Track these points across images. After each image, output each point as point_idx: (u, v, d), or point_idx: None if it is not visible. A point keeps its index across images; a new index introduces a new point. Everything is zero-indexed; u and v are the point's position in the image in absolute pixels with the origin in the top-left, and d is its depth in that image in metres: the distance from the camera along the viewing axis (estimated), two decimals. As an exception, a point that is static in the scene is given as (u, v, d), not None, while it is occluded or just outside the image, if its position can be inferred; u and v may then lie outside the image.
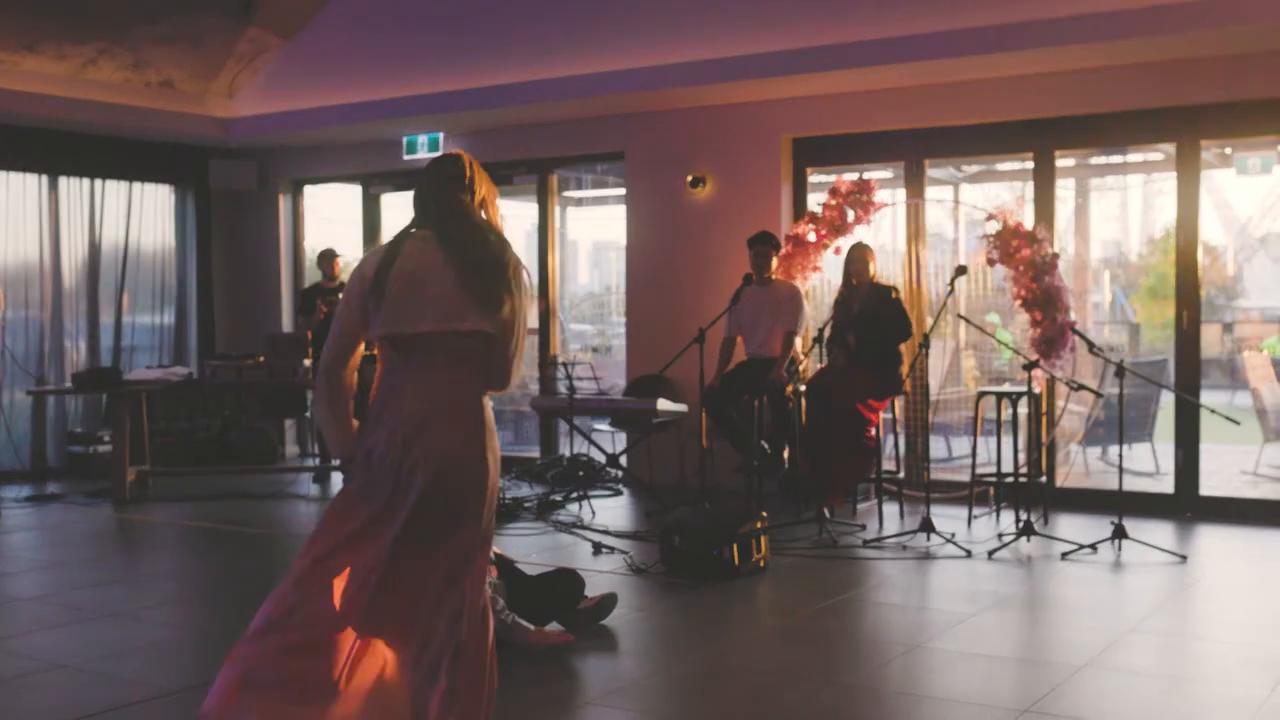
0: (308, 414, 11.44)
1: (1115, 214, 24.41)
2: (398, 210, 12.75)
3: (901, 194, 9.66)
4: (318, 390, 3.70)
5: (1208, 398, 9.02)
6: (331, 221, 13.07)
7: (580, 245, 13.85)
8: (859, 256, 8.52)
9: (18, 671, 5.14)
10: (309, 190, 12.70)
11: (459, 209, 3.56)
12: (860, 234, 9.14)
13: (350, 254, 11.81)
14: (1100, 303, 21.72)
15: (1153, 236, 23.73)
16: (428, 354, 3.49)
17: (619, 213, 11.19)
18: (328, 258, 10.74)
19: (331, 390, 3.66)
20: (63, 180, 11.37)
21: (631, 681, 5.01)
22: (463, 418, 3.49)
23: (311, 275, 12.00)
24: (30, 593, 6.62)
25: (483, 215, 3.62)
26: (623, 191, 10.88)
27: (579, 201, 14.84)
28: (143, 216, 11.96)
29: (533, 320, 11.49)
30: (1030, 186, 9.28)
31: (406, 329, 3.48)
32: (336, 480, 10.50)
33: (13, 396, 10.90)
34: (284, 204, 12.51)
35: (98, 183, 11.62)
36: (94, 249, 11.62)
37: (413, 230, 3.57)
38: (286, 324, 12.06)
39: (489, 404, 3.58)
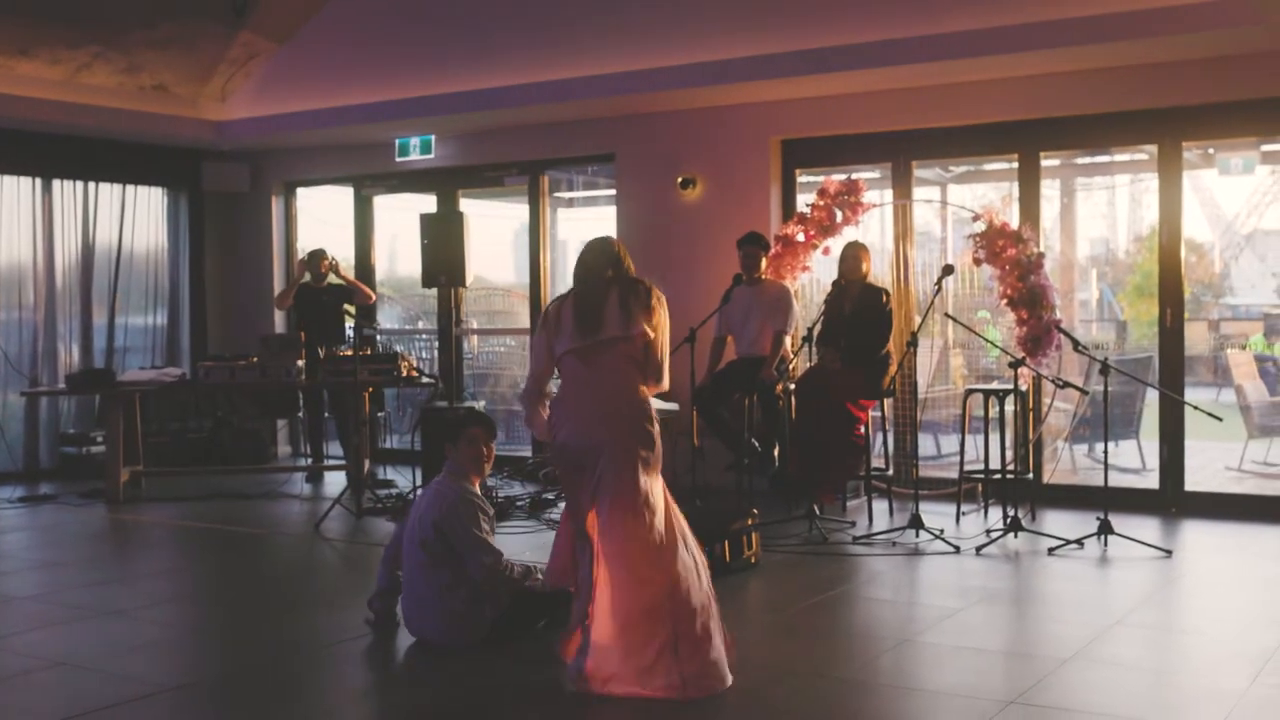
0: (300, 414, 11.49)
1: (1103, 211, 24.54)
2: (390, 211, 12.84)
3: (889, 194, 9.74)
4: (527, 404, 5.16)
5: (1194, 395, 9.12)
6: (324, 223, 13.13)
7: (569, 245, 13.90)
8: (852, 255, 8.60)
9: (19, 669, 5.20)
10: (301, 192, 12.74)
11: (616, 265, 5.00)
12: (849, 234, 9.22)
13: (344, 256, 11.86)
14: (1088, 300, 21.84)
15: (1139, 234, 23.85)
16: (600, 359, 4.87)
17: (608, 213, 11.27)
18: (317, 257, 10.78)
19: (535, 404, 5.11)
20: (56, 183, 11.41)
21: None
22: (631, 406, 4.87)
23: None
24: (27, 592, 6.68)
25: (625, 269, 5.02)
26: (613, 191, 10.95)
27: (569, 202, 14.91)
28: (135, 219, 12.00)
29: (526, 324, 11.59)
30: (1016, 186, 9.38)
31: (588, 341, 4.88)
32: (330, 480, 10.57)
33: (5, 397, 10.95)
34: (276, 206, 12.56)
35: (91, 185, 11.67)
36: (87, 251, 11.67)
37: (577, 287, 5.00)
38: (279, 324, 12.11)
39: (649, 395, 4.95)
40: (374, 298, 11.08)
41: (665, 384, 5.01)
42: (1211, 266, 27.09)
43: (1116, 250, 25.68)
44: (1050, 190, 14.21)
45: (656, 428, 4.94)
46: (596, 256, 5.03)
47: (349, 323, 10.44)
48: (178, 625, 6.17)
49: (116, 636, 5.77)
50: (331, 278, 10.79)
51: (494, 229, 15.94)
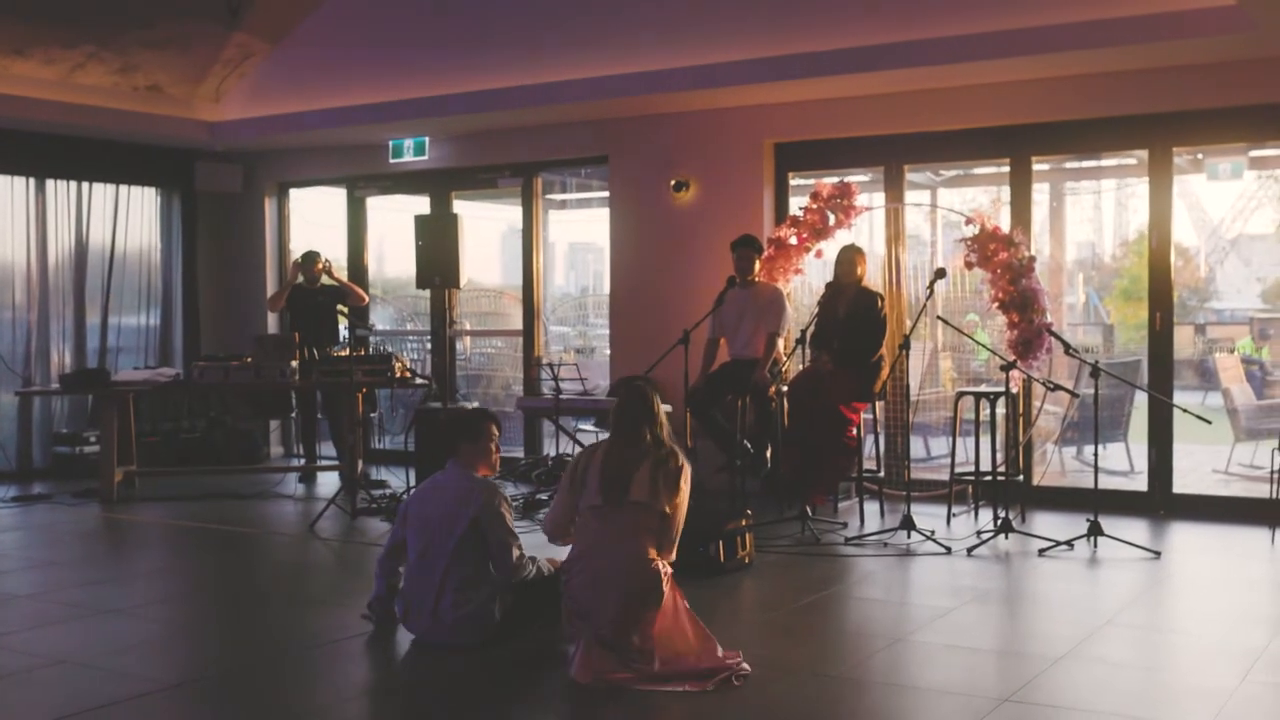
0: (293, 415, 11.52)
1: (1089, 216, 24.60)
2: (383, 212, 12.85)
3: (881, 197, 9.81)
4: (552, 539, 5.47)
5: (1181, 398, 9.19)
6: (317, 224, 13.16)
7: (557, 247, 13.94)
8: (848, 258, 8.65)
9: (20, 667, 5.23)
10: (294, 193, 12.77)
11: (652, 426, 5.18)
12: (841, 237, 9.28)
13: (336, 257, 11.89)
14: (1075, 304, 21.90)
15: (1126, 239, 23.93)
16: (620, 520, 5.06)
17: (599, 215, 11.32)
18: (311, 259, 10.81)
19: (556, 541, 5.48)
20: (50, 183, 11.43)
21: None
22: (640, 571, 5.00)
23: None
24: (25, 590, 6.71)
25: (661, 432, 5.18)
26: (605, 194, 10.99)
27: (562, 204, 14.96)
28: (129, 218, 12.03)
29: (518, 323, 11.64)
30: (1006, 190, 9.45)
31: (612, 503, 5.07)
32: (323, 480, 10.60)
33: (-1, 395, 10.98)
34: (269, 206, 12.59)
35: (85, 185, 11.69)
36: (81, 250, 11.69)
37: (611, 443, 5.21)
38: (272, 325, 12.13)
39: (661, 563, 5.07)
40: (366, 299, 11.12)
41: (673, 556, 5.20)
42: (1197, 271, 27.19)
43: (1103, 254, 25.75)
44: (1039, 195, 14.29)
45: (666, 586, 5.07)
46: (636, 410, 5.21)
47: (343, 324, 10.47)
48: (174, 623, 6.21)
49: (114, 634, 5.81)
50: (325, 279, 10.81)
51: (482, 230, 15.97)
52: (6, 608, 6.28)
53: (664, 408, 5.34)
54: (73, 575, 7.20)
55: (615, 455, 5.15)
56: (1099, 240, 25.71)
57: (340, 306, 10.52)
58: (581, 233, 16.19)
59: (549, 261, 11.88)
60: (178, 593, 6.96)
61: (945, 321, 8.78)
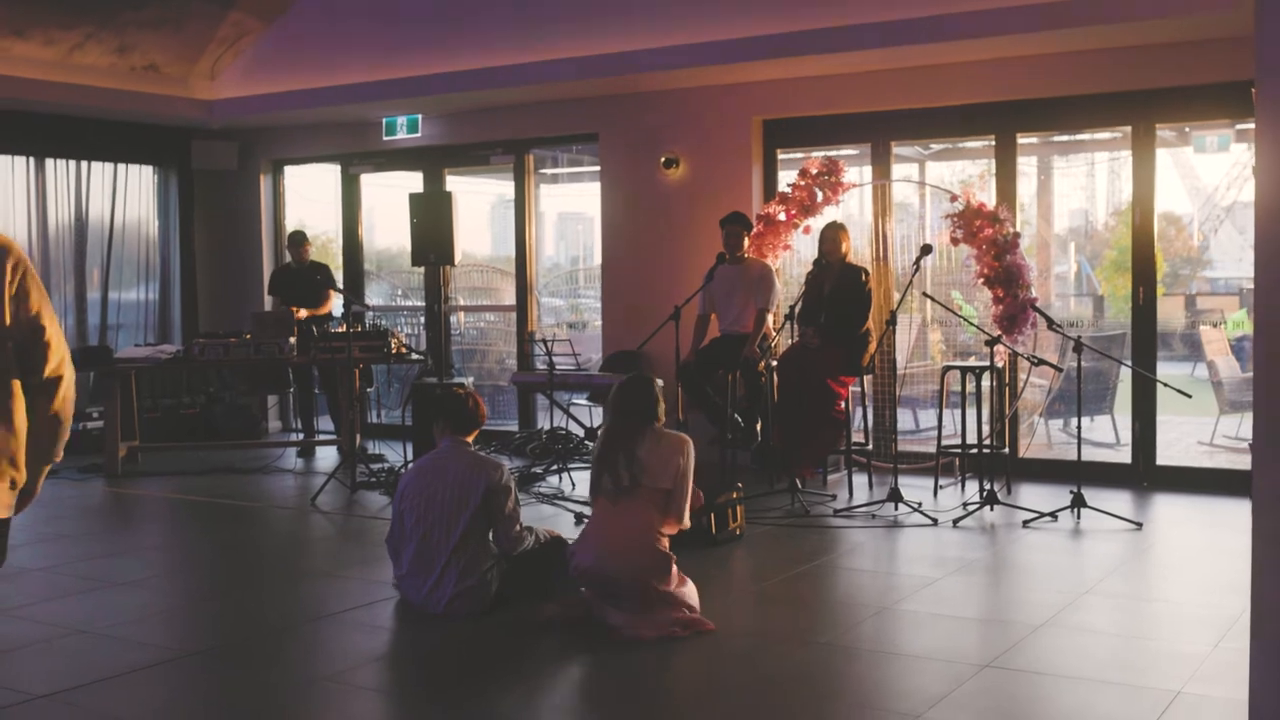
0: (291, 390, 11.67)
1: (1082, 184, 24.69)
2: (377, 189, 12.98)
3: (869, 170, 9.95)
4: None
5: (1168, 370, 9.35)
6: (311, 201, 13.29)
7: (547, 217, 14.02)
8: (832, 235, 8.80)
9: (42, 636, 5.41)
10: (289, 170, 12.89)
11: (653, 414, 5.51)
12: (829, 214, 9.41)
13: (331, 230, 12.01)
14: (1066, 273, 21.99)
15: (1118, 207, 23.98)
16: (626, 506, 5.37)
17: (590, 189, 11.45)
18: (298, 241, 10.95)
19: None
20: (49, 162, 11.56)
21: (613, 644, 5.26)
22: (647, 552, 5.32)
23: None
24: (41, 564, 6.87)
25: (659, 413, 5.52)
26: (596, 168, 11.12)
27: (554, 178, 15.06)
28: (127, 197, 12.16)
29: (510, 296, 11.79)
30: (993, 164, 9.59)
31: (617, 487, 5.38)
32: (321, 454, 10.76)
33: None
34: (265, 184, 12.71)
35: (83, 164, 11.81)
36: (80, 229, 11.83)
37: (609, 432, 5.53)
38: (268, 302, 12.27)
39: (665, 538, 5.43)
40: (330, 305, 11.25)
41: (686, 522, 5.51)
42: (1190, 239, 27.30)
43: (1095, 222, 25.84)
44: (1028, 166, 14.43)
45: (674, 568, 5.41)
46: (636, 396, 5.53)
47: (337, 299, 10.60)
48: (185, 595, 6.39)
49: (128, 605, 5.99)
50: (311, 257, 10.99)
51: (472, 203, 16.07)
52: (23, 580, 6.45)
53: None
54: (83, 549, 7.37)
55: (613, 440, 5.45)
56: (1091, 208, 25.80)
57: (333, 288, 10.60)
58: (572, 204, 16.29)
59: (539, 233, 12.00)
60: (186, 565, 7.14)
61: (931, 298, 8.93)
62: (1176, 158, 23.97)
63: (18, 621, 5.68)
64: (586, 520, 5.61)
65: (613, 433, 5.51)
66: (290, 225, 12.58)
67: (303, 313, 10.55)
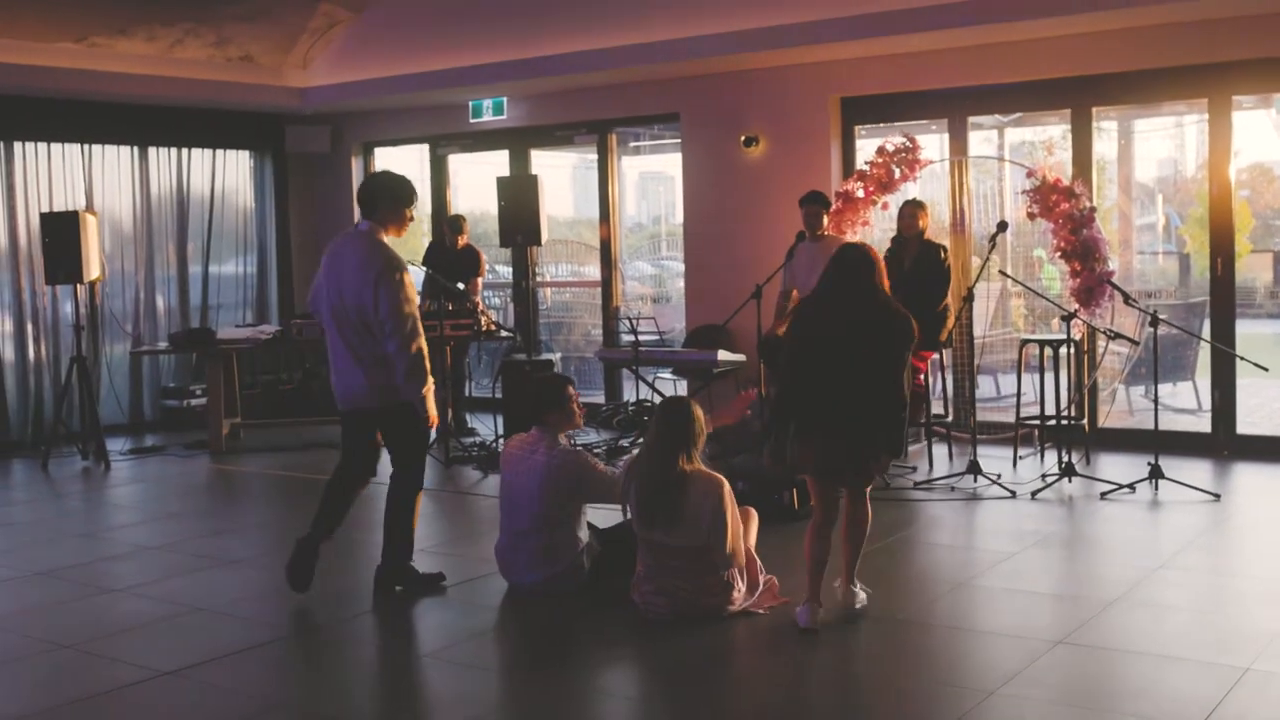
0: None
1: (1172, 133, 24.23)
2: (465, 168, 13.26)
3: (946, 139, 10.02)
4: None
5: (1257, 328, 9.18)
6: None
7: (628, 177, 14.10)
8: (909, 213, 8.94)
9: (164, 614, 5.79)
10: (379, 152, 13.23)
11: (688, 449, 5.48)
12: (908, 190, 9.53)
13: (420, 209, 12.23)
14: (1154, 223, 21.58)
15: (1207, 158, 23.45)
16: (675, 555, 5.42)
17: (674, 160, 11.61)
18: (456, 227, 11.09)
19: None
20: (151, 150, 12.00)
21: (698, 622, 5.46)
22: (707, 594, 5.47)
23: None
24: (156, 542, 7.27)
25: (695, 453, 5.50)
26: (677, 140, 11.30)
27: (636, 150, 15.21)
28: (225, 181, 12.60)
29: (596, 274, 12.03)
30: (1070, 134, 9.63)
31: (661, 534, 5.39)
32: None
33: (112, 351, 11.58)
34: (356, 165, 13.07)
35: (184, 151, 12.25)
36: (182, 214, 12.27)
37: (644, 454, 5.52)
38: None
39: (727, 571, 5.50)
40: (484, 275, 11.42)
41: (742, 560, 5.55)
42: (1282, 191, 26.63)
43: (1185, 172, 25.31)
44: (1109, 134, 14.28)
45: (736, 589, 5.52)
46: (675, 431, 5.46)
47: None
48: (293, 573, 6.72)
49: (242, 583, 6.36)
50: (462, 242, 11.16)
51: (556, 172, 16.26)
52: (142, 558, 6.84)
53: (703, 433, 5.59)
54: (195, 526, 7.76)
55: (649, 482, 5.44)
56: (1181, 158, 25.27)
57: (461, 284, 10.77)
58: (653, 165, 16.45)
59: (621, 194, 12.19)
60: (288, 543, 7.44)
61: (1008, 276, 9.01)
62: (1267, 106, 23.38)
63: (141, 599, 6.06)
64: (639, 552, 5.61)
65: (648, 474, 5.46)
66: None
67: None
